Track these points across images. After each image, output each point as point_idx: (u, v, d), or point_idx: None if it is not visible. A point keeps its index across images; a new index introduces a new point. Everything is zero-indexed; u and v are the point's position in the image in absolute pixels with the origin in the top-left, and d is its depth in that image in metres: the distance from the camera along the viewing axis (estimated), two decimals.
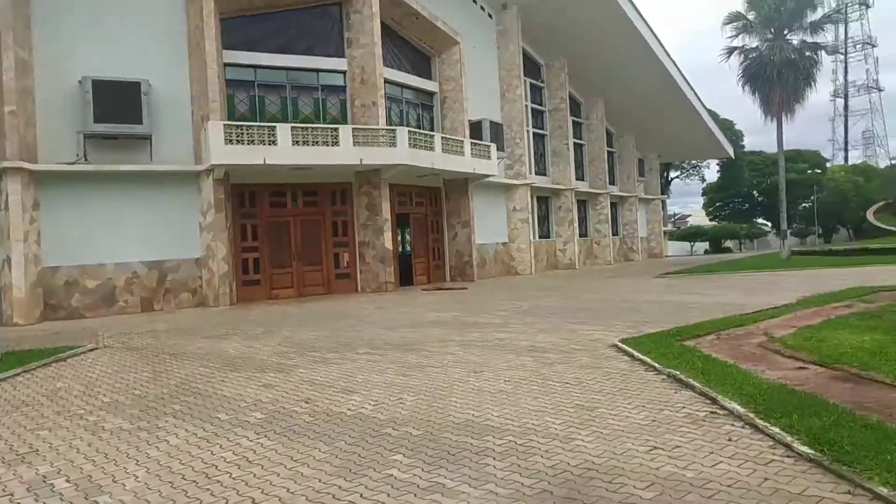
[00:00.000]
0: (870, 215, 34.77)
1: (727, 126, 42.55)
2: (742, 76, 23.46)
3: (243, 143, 15.27)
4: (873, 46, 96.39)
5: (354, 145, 16.70)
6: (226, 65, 16.94)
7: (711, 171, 58.20)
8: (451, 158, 19.22)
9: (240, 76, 17.46)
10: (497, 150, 22.21)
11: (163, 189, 16.01)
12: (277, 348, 9.41)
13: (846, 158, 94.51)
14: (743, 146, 50.85)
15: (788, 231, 63.75)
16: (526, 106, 26.39)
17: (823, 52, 22.16)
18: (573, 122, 30.49)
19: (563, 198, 28.42)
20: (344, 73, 18.87)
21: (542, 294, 16.25)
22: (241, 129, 15.32)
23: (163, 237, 16.04)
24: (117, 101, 14.71)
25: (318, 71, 18.54)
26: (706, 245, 60.58)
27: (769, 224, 69.73)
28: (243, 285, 17.42)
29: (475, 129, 22.25)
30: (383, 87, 18.59)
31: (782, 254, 23.59)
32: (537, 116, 28.58)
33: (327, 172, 17.70)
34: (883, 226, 32.43)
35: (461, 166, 19.73)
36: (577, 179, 30.20)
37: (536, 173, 27.45)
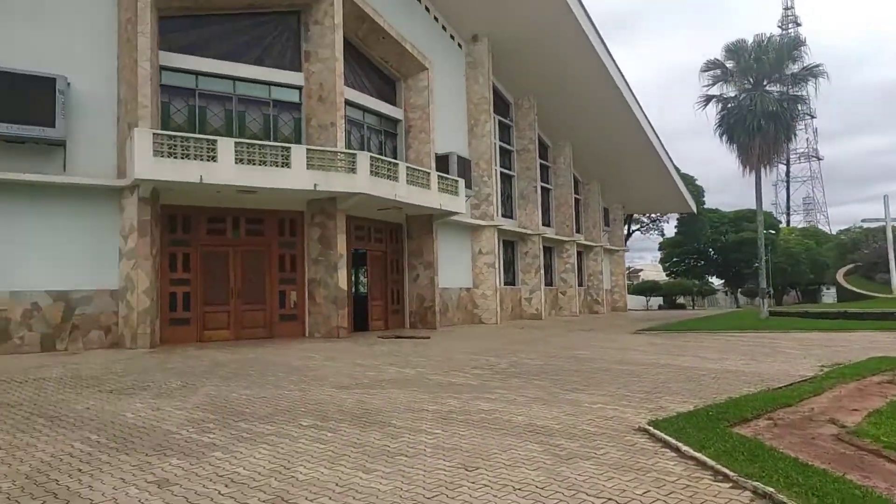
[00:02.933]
0: (839, 277, 34.45)
1: (689, 181, 42.28)
2: (719, 126, 22.60)
3: (176, 157, 13.03)
4: (813, 118, 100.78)
5: (308, 168, 14.64)
6: (162, 68, 14.82)
7: (669, 226, 58.14)
8: (416, 191, 17.33)
9: (178, 82, 15.29)
10: (464, 187, 20.49)
11: (77, 206, 13.57)
12: (193, 413, 7.11)
13: (788, 222, 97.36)
14: (704, 202, 50.82)
15: (739, 291, 64.75)
16: (494, 143, 24.89)
17: (802, 105, 21.50)
18: (541, 164, 29.17)
19: (529, 243, 26.82)
20: (300, 88, 16.93)
21: (516, 348, 14.27)
22: (175, 141, 13.08)
23: (73, 263, 13.51)
24: (24, 99, 12.38)
25: (270, 84, 16.54)
26: (660, 300, 60.24)
27: (722, 282, 70.36)
28: (169, 324, 14.89)
29: (441, 162, 20.53)
30: (343, 108, 16.69)
31: (760, 313, 22.38)
32: (505, 156, 27.15)
33: (276, 198, 15.53)
34: (855, 289, 32.09)
35: (427, 201, 17.85)
36: (543, 225, 28.71)
37: (503, 215, 25.82)
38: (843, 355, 12.18)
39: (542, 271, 27.28)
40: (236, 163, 13.74)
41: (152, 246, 13.91)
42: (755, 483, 4.28)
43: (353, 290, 18.47)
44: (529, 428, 6.26)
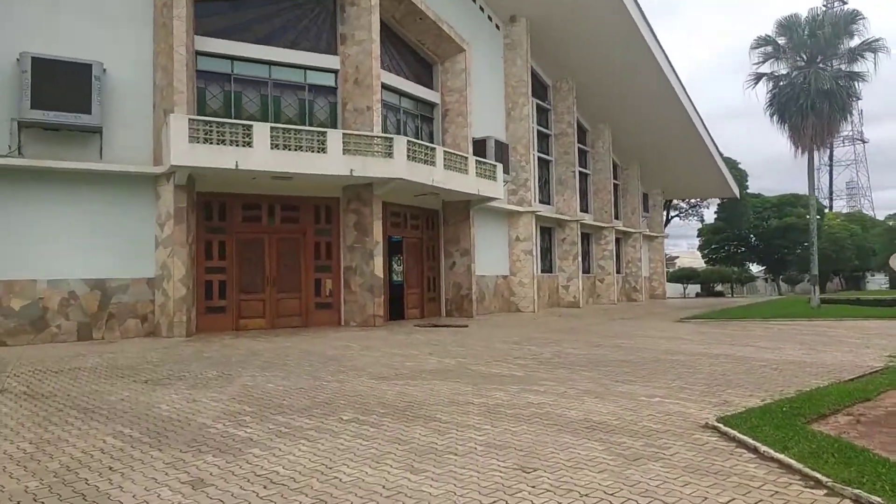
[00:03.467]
0: (893, 263, 32.87)
1: (731, 164, 40.91)
2: (770, 105, 21.56)
3: (212, 143, 12.78)
4: (858, 99, 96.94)
5: (345, 153, 14.29)
6: (198, 53, 14.58)
7: (709, 212, 56.58)
8: (454, 176, 16.87)
9: (214, 67, 15.04)
10: (502, 172, 19.94)
11: (113, 193, 13.45)
12: (230, 406, 6.82)
13: (831, 207, 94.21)
14: (747, 187, 49.25)
15: (781, 278, 62.71)
16: (532, 127, 24.25)
17: (859, 82, 20.36)
18: (579, 149, 28.39)
19: (567, 229, 26.15)
20: (335, 72, 16.55)
21: (557, 337, 13.78)
22: (211, 126, 12.83)
23: (109, 251, 13.41)
24: (62, 86, 12.22)
25: (305, 68, 16.19)
26: (697, 287, 58.78)
27: (761, 269, 68.36)
28: (205, 312, 14.76)
29: (479, 147, 20.00)
30: (380, 92, 16.27)
31: (812, 301, 21.42)
32: (542, 140, 26.48)
33: (311, 184, 15.24)
34: None
35: (465, 186, 17.38)
36: (581, 211, 27.98)
37: (540, 201, 25.20)
38: None
39: (580, 258, 26.60)
40: (272, 148, 13.45)
41: (188, 233, 13.75)
42: (856, 491, 3.77)
43: (389, 277, 18.15)
44: (586, 424, 5.80)
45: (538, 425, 5.76)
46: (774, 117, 21.58)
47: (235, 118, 14.77)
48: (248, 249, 15.41)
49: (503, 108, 22.93)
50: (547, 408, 6.50)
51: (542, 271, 25.19)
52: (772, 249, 55.46)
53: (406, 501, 3.89)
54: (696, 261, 71.62)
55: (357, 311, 15.95)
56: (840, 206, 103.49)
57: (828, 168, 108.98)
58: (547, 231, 26.12)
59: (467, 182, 17.52)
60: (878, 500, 3.61)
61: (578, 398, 6.97)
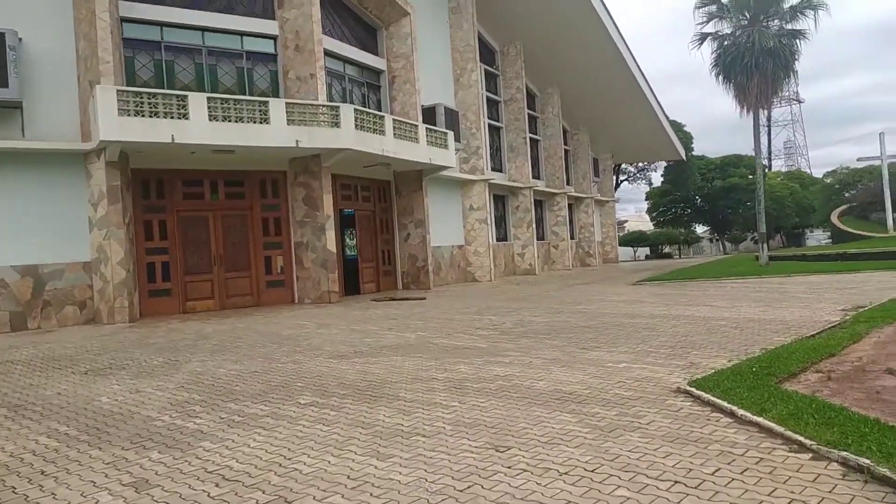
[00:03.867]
0: (834, 218, 34.04)
1: (677, 128, 41.41)
2: (715, 66, 21.66)
3: (144, 116, 11.97)
4: (799, 58, 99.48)
5: (289, 124, 13.64)
6: (123, 20, 13.57)
7: (656, 176, 57.50)
8: (404, 145, 16.39)
9: (142, 35, 14.06)
10: (453, 140, 19.53)
11: (39, 173, 12.53)
12: (177, 395, 6.36)
13: (770, 167, 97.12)
14: (692, 149, 50.06)
15: (725, 237, 64.54)
16: (481, 94, 23.81)
17: (801, 40, 20.59)
18: (529, 115, 28.13)
19: (521, 197, 26.00)
20: (274, 38, 15.75)
21: (517, 305, 13.62)
22: (142, 98, 12.00)
23: (40, 235, 12.54)
24: None
25: (241, 34, 15.33)
26: (646, 250, 59.99)
27: (706, 229, 70.17)
28: (149, 296, 14.04)
29: (428, 115, 19.51)
30: (323, 58, 15.56)
31: (760, 259, 21.89)
32: (492, 107, 26.10)
33: (255, 157, 14.56)
34: (850, 229, 31.75)
35: (416, 155, 16.92)
36: (533, 177, 27.83)
37: (492, 169, 24.91)
38: (860, 298, 11.67)
39: (534, 225, 26.53)
40: (210, 120, 12.70)
41: (125, 213, 12.94)
42: (843, 453, 3.63)
43: (342, 252, 17.64)
44: (556, 395, 5.58)
45: (507, 399, 5.52)
46: (720, 77, 21.71)
47: (168, 89, 13.87)
48: (192, 228, 14.67)
49: (451, 75, 22.42)
50: (515, 380, 6.26)
51: (498, 240, 25.04)
52: (716, 210, 56.83)
53: (373, 492, 3.57)
54: (644, 224, 73.01)
55: (311, 287, 15.45)
56: (778, 165, 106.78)
57: (766, 129, 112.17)
58: (500, 199, 25.92)
59: (418, 151, 17.07)
60: (867, 461, 3.47)
61: (545, 368, 6.77)
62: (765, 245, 21.99)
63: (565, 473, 3.70)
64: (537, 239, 27.32)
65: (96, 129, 11.90)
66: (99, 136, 11.78)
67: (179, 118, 12.36)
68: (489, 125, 25.28)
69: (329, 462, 4.12)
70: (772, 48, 20.32)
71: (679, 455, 3.91)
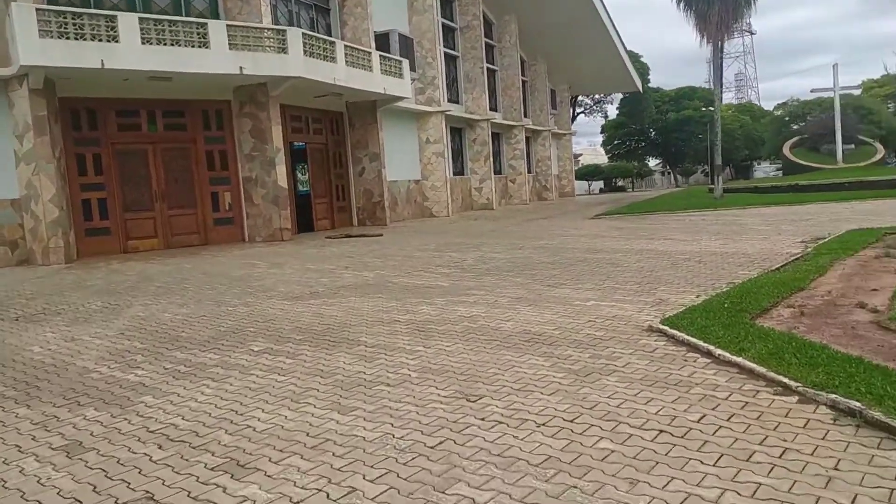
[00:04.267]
0: (786, 150, 34.49)
1: (634, 58, 40.89)
2: None
3: (69, 38, 10.86)
4: None
5: (231, 49, 12.67)
6: None
7: (612, 109, 57.25)
8: (357, 74, 15.54)
9: None
10: (409, 69, 18.67)
11: None
12: (117, 343, 5.88)
13: (721, 99, 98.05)
14: (649, 81, 49.77)
15: (678, 170, 65.39)
16: (437, 20, 22.73)
17: None
18: (486, 44, 27.16)
19: (478, 129, 25.39)
20: None
21: (477, 241, 13.33)
22: (65, 18, 10.85)
23: None
24: None
25: None
26: (601, 184, 60.41)
27: (657, 162, 70.90)
28: (86, 235, 13.20)
29: (381, 42, 18.53)
30: None
31: (715, 192, 22.07)
32: (448, 35, 25.04)
33: (196, 85, 13.57)
34: (801, 161, 32.29)
35: (370, 85, 16.10)
36: (490, 110, 27.16)
37: (448, 100, 24.12)
38: (817, 229, 11.78)
39: (492, 159, 26.07)
40: (143, 43, 11.63)
41: (54, 146, 11.93)
42: (832, 396, 3.46)
43: (294, 187, 16.90)
44: (525, 336, 5.32)
45: (474, 342, 5.23)
46: (681, 4, 21.20)
47: (96, 9, 12.62)
48: (130, 162, 13.72)
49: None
50: (480, 320, 5.98)
51: (454, 174, 24.52)
52: (669, 143, 57.25)
53: (335, 451, 3.25)
54: (597, 158, 73.27)
55: (262, 225, 14.80)
56: (729, 98, 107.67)
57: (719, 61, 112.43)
58: (457, 132, 25.26)
59: (372, 80, 16.23)
60: (858, 404, 3.30)
61: (512, 307, 6.50)
62: (720, 177, 22.14)
63: (543, 425, 3.44)
64: (494, 173, 26.90)
65: (15, 52, 10.75)
66: (19, 60, 10.65)
67: (109, 41, 11.28)
68: (445, 54, 24.31)
69: (286, 417, 3.77)
70: None
71: (660, 401, 3.69)
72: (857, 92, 43.24)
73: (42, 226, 11.79)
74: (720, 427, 3.29)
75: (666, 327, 5.17)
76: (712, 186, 25.61)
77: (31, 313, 7.56)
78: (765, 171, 69.51)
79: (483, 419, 3.57)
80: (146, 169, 13.89)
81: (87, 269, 11.41)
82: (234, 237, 15.02)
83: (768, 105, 77.97)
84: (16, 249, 12.16)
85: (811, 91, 36.21)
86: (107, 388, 4.56)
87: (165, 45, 11.85)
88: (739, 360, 4.21)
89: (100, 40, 11.18)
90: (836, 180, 21.53)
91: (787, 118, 53.49)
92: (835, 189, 20.21)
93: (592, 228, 15.17)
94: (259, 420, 3.75)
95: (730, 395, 3.72)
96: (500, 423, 3.51)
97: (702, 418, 3.41)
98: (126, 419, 3.91)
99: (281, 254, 12.47)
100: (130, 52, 11.48)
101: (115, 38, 11.31)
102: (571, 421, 3.47)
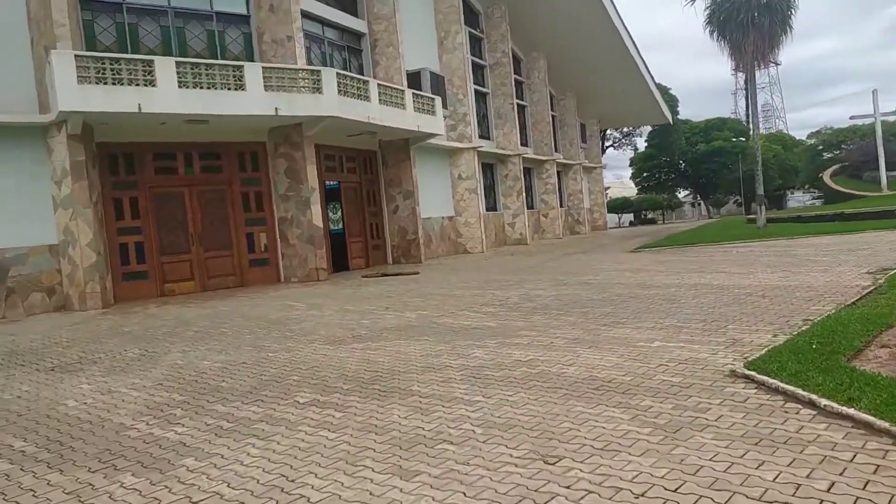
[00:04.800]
0: (826, 178, 33.64)
1: (663, 91, 40.61)
2: (709, 22, 20.84)
3: (107, 83, 10.91)
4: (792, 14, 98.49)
5: (267, 90, 12.64)
6: None
7: (641, 141, 56.87)
8: (390, 112, 15.44)
9: None
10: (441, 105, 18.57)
11: None
12: (155, 395, 5.56)
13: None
14: (678, 112, 49.37)
15: (709, 201, 64.23)
16: (467, 58, 22.76)
17: None
18: (515, 80, 27.12)
19: (509, 164, 25.16)
20: None
21: (518, 278, 12.90)
22: (104, 63, 10.92)
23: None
24: None
25: None
26: (630, 216, 59.66)
27: (686, 193, 69.89)
28: (123, 279, 13.09)
29: (413, 80, 18.50)
30: (300, 19, 14.46)
31: (758, 221, 21.36)
32: (477, 72, 25.05)
33: (232, 127, 13.57)
34: (843, 189, 31.36)
35: (404, 122, 15.99)
36: (521, 145, 26.95)
37: (479, 136, 23.97)
38: (879, 259, 11.10)
39: (524, 194, 25.75)
40: (180, 87, 11.65)
41: (91, 191, 11.92)
42: None
43: (327, 226, 16.73)
44: (593, 383, 4.85)
45: (538, 391, 4.78)
46: (714, 34, 20.88)
47: (133, 54, 12.73)
48: (166, 205, 13.67)
49: (435, 38, 21.34)
50: (540, 365, 5.53)
51: (487, 209, 24.23)
52: (700, 174, 56.48)
53: None
54: (625, 190, 72.64)
55: (297, 265, 14.58)
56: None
57: (743, 92, 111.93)
58: (489, 167, 25.06)
59: (406, 118, 16.12)
60: None
61: (570, 350, 6.04)
62: (763, 207, 21.44)
63: (642, 495, 2.97)
64: (527, 208, 26.55)
65: (54, 99, 10.81)
66: (58, 106, 10.70)
67: (146, 85, 11.31)
68: (475, 91, 24.27)
69: (342, 484, 3.36)
70: (767, 3, 19.51)
71: (774, 464, 3.19)
72: (894, 118, 42.33)
73: (79, 271, 11.70)
74: (857, 499, 2.78)
75: (753, 372, 4.66)
76: (752, 217, 24.87)
77: (67, 362, 7.32)
78: (799, 200, 68.09)
79: (569, 487, 3.11)
80: (183, 212, 13.83)
81: (124, 314, 11.24)
82: (269, 278, 14.81)
83: (797, 135, 76.79)
84: (53, 295, 12.07)
85: (850, 118, 35.33)
86: (145, 448, 4.21)
87: (202, 88, 11.85)
88: (852, 411, 3.69)
89: (137, 85, 11.21)
90: (887, 207, 20.66)
91: (820, 147, 52.49)
92: (885, 217, 19.35)
93: (634, 262, 14.63)
94: (313, 488, 3.35)
95: (854, 457, 3.21)
96: (591, 492, 3.04)
97: (831, 487, 2.91)
98: (166, 486, 3.54)
99: (318, 294, 12.17)
100: (167, 95, 11.49)
101: (152, 82, 11.34)
102: (675, 490, 2.99)
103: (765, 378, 4.49)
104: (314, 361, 6.39)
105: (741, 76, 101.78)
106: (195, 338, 8.30)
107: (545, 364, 5.57)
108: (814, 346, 5.17)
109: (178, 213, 13.81)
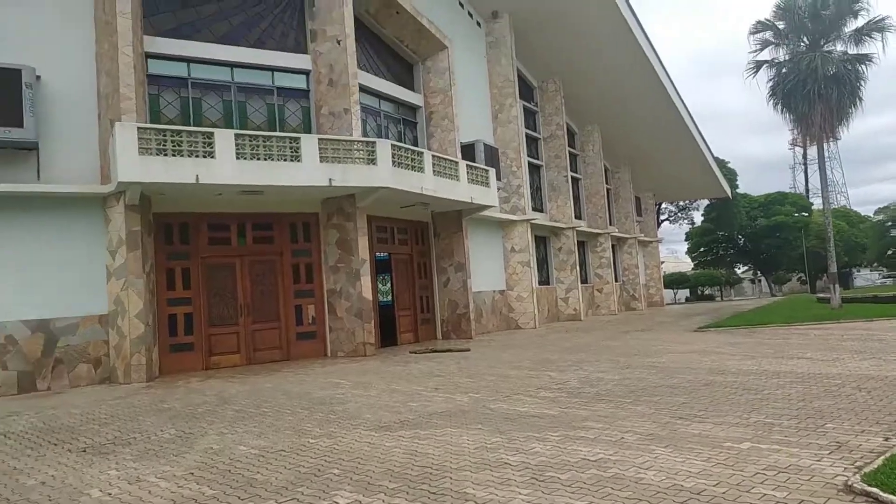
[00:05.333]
0: None
1: (721, 164, 39.84)
2: (773, 94, 20.32)
3: (167, 155, 11.02)
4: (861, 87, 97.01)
5: (322, 161, 12.60)
6: (148, 56, 12.85)
7: (697, 214, 55.64)
8: (444, 183, 15.25)
9: (167, 71, 13.29)
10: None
11: (54, 218, 11.63)
12: (185, 487, 5.06)
13: (811, 205, 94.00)
14: (737, 186, 48.30)
15: (770, 278, 61.68)
16: (521, 130, 22.73)
17: (868, 65, 19.14)
18: (569, 153, 26.95)
19: (563, 237, 24.62)
20: (307, 73, 14.92)
21: (576, 358, 12.13)
22: (164, 135, 11.06)
23: (53, 286, 11.55)
24: None
25: (272, 69, 14.52)
26: (686, 292, 57.68)
27: (746, 268, 67.48)
28: (170, 351, 12.89)
29: (467, 152, 18.45)
30: (357, 92, 14.62)
31: (832, 301, 20.04)
32: (531, 144, 24.99)
33: (286, 198, 13.56)
34: None
35: (457, 194, 15.76)
36: (575, 217, 26.48)
37: (532, 209, 23.64)
38: None
39: (578, 268, 25.05)
40: (238, 158, 11.72)
41: (145, 261, 11.92)
42: None
43: (377, 299, 16.40)
44: (679, 496, 4.13)
45: (614, 501, 4.08)
46: (778, 106, 20.29)
47: (194, 127, 12.99)
48: (217, 276, 13.59)
49: (489, 111, 21.44)
50: (611, 467, 4.82)
51: (540, 283, 23.59)
52: (760, 250, 54.58)
53: None
54: (679, 265, 70.81)
55: (345, 339, 14.17)
56: (818, 204, 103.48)
57: (802, 166, 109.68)
58: (542, 240, 24.57)
59: (459, 189, 15.91)
60: None
61: (645, 448, 5.31)
62: (836, 286, 20.14)
63: None
64: (581, 282, 25.77)
65: (115, 169, 10.96)
66: (118, 176, 10.83)
67: (205, 157, 11.40)
68: (529, 163, 24.13)
69: None
70: (836, 74, 18.91)
71: None
72: None
73: (126, 342, 11.55)
74: None
75: (876, 490, 3.87)
76: (822, 296, 23.43)
77: (100, 443, 6.93)
78: (867, 278, 64.78)
79: None
80: (233, 282, 13.72)
81: (167, 387, 10.93)
82: (316, 352, 14.42)
83: (861, 211, 74.08)
84: (99, 367, 11.92)
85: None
86: None
87: (259, 159, 11.89)
88: None
89: (196, 156, 11.32)
90: None
91: (889, 223, 50.23)
92: None
93: (701, 343, 13.67)
94: None
95: None
96: None
97: None
98: None
99: (365, 371, 11.65)
100: (225, 166, 11.55)
101: (210, 154, 11.44)
102: None
103: (892, 498, 3.71)
104: (357, 451, 5.81)
105: (799, 150, 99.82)
106: (234, 418, 7.85)
107: (617, 466, 4.86)
108: None
109: (229, 283, 13.70)
